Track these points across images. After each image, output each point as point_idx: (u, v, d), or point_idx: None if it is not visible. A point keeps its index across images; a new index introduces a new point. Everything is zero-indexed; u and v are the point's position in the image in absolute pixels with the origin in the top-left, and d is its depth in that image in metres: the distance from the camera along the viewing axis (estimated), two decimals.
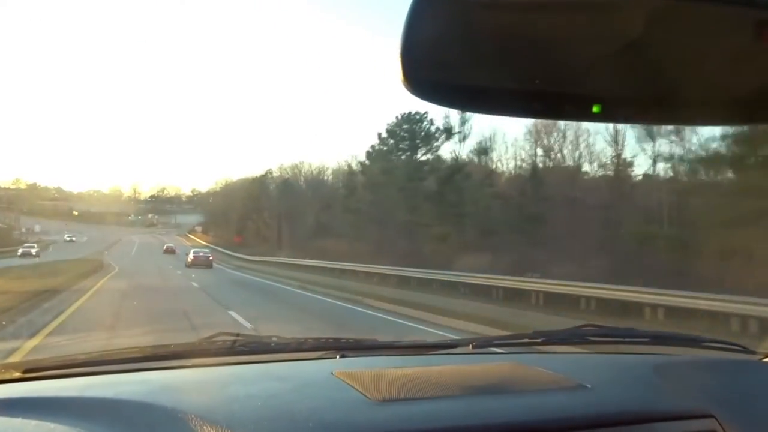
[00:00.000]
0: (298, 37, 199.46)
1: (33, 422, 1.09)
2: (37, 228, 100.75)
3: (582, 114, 0.73)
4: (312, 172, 76.52)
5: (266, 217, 79.85)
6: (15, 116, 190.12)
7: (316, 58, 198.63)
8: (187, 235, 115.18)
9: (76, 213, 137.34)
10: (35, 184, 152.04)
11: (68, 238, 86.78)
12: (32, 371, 1.43)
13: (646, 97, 0.71)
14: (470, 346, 1.68)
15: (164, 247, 72.53)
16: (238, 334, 1.70)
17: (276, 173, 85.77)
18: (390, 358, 1.72)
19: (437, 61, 0.65)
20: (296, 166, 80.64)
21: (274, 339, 1.73)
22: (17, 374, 1.42)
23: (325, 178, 75.06)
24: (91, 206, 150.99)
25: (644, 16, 0.64)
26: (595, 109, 0.70)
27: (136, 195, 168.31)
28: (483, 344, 1.74)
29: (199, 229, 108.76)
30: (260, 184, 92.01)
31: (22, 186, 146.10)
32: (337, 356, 1.62)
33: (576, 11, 0.64)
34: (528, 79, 0.67)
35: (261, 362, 1.58)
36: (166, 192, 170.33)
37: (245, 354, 1.61)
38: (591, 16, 0.64)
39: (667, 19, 0.65)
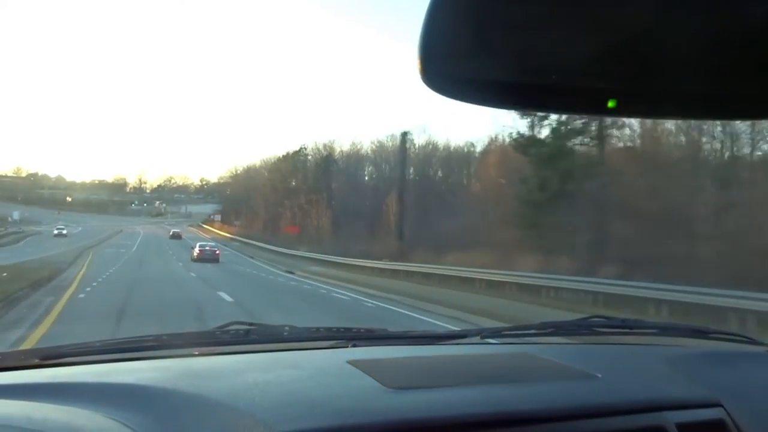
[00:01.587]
0: (303, 20, 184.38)
1: (62, 407, 1.09)
2: (16, 216, 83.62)
3: (597, 109, 0.71)
4: (341, 150, 69.10)
5: (302, 202, 64.11)
6: (18, 106, 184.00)
7: (323, 39, 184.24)
8: (201, 226, 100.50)
9: (69, 199, 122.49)
10: (36, 173, 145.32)
11: (58, 231, 61.91)
12: (50, 358, 1.44)
13: (660, 92, 0.70)
14: (479, 336, 1.70)
15: (170, 233, 68.69)
16: (251, 323, 1.71)
17: (310, 150, 73.56)
18: (400, 347, 1.71)
19: (455, 57, 0.65)
20: (330, 143, 70.53)
21: (287, 328, 1.73)
22: (36, 361, 1.43)
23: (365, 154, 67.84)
24: (92, 195, 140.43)
25: (659, 10, 0.64)
26: (611, 104, 0.69)
27: (142, 185, 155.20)
28: (492, 335, 1.75)
29: (217, 218, 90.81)
30: (293, 162, 76.25)
31: (23, 174, 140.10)
32: (349, 345, 1.61)
33: (591, 4, 0.64)
34: (544, 73, 0.67)
35: (275, 351, 1.59)
36: (173, 181, 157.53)
37: (259, 343, 1.63)
38: (605, 10, 0.64)
39: (682, 12, 0.65)
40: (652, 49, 0.66)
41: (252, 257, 43.92)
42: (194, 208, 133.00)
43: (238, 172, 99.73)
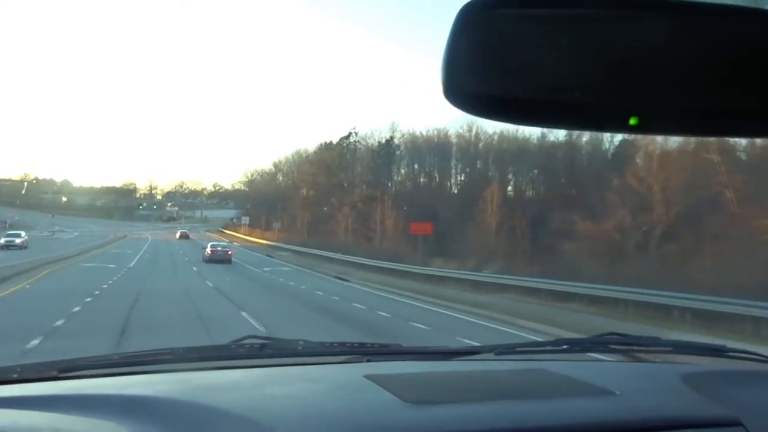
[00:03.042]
0: (308, 20, 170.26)
1: (86, 419, 1.11)
2: None
3: (619, 126, 0.72)
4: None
5: (356, 199, 49.60)
6: (27, 112, 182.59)
7: (334, 35, 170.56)
8: (221, 231, 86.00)
9: (64, 199, 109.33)
10: (45, 178, 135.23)
11: (5, 241, 40.99)
12: (68, 370, 1.45)
13: (683, 109, 0.71)
14: (493, 353, 1.70)
15: (178, 234, 66.95)
16: (266, 338, 1.73)
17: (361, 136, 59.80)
18: (415, 363, 1.71)
19: (477, 74, 0.67)
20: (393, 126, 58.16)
21: (301, 342, 1.72)
22: (54, 373, 1.43)
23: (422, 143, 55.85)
24: (98, 199, 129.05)
25: (677, 29, 0.67)
26: (632, 121, 0.70)
27: (152, 190, 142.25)
28: (506, 351, 1.73)
29: (244, 220, 74.94)
30: (339, 151, 60.95)
31: (30, 178, 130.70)
32: (364, 360, 1.62)
33: (610, 23, 0.67)
34: (566, 90, 0.68)
35: (291, 365, 1.60)
36: (185, 187, 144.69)
37: (274, 357, 1.65)
38: (625, 28, 0.67)
39: (702, 31, 0.67)
40: (672, 68, 0.66)
41: (363, 285, 22.80)
42: (210, 213, 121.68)
43: (265, 170, 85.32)
